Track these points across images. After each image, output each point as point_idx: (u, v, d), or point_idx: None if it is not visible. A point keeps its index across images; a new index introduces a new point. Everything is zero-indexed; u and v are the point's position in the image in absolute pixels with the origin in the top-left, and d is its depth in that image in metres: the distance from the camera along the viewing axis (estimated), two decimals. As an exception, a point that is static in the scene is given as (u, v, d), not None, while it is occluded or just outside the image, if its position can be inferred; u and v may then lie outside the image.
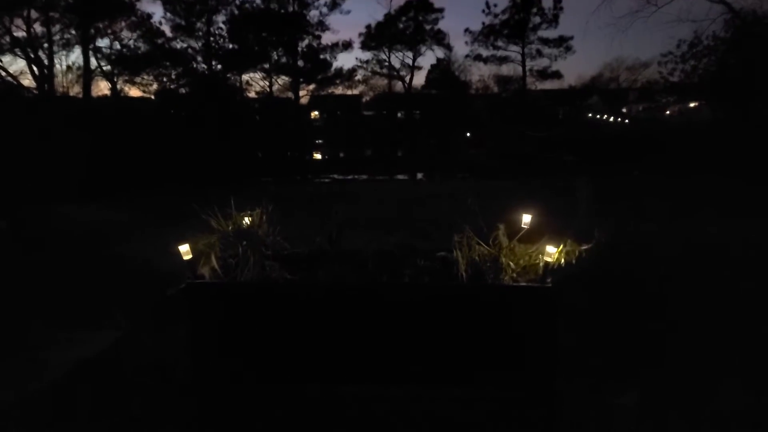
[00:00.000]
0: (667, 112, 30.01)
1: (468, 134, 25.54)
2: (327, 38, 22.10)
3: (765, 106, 17.94)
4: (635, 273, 5.25)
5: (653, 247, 6.56)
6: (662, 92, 24.34)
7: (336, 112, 26.76)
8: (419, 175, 22.70)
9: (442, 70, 25.20)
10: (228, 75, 20.68)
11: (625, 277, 4.87)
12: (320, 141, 25.63)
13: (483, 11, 23.46)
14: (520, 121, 23.30)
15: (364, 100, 27.15)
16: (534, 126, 23.50)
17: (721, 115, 19.82)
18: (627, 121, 32.05)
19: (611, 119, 33.23)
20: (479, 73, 23.67)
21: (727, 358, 3.86)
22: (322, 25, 22.34)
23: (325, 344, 3.33)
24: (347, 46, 23.03)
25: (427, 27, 23.73)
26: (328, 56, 23.16)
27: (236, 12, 20.32)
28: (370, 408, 3.31)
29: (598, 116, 34.81)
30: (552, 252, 3.27)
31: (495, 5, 23.24)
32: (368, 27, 24.01)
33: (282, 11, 20.54)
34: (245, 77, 21.48)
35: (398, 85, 25.07)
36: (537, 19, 22.95)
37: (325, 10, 21.86)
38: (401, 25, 23.79)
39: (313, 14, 21.97)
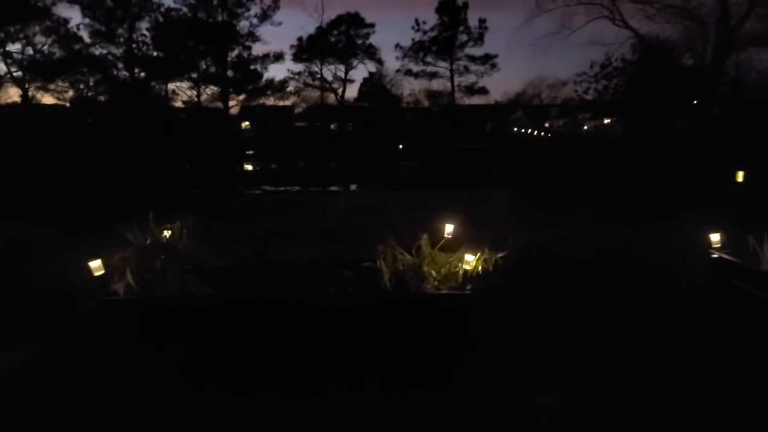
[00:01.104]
0: (585, 128, 31.99)
1: (401, 146, 25.98)
2: (258, 49, 21.84)
3: (670, 123, 19.56)
4: (552, 277, 5.56)
5: (570, 251, 6.98)
6: (579, 109, 25.93)
7: (268, 123, 26.41)
8: (352, 187, 22.80)
9: (374, 84, 25.54)
10: (152, 83, 19.93)
11: (541, 281, 5.14)
12: (251, 152, 25.18)
13: (412, 28, 24.03)
14: (450, 134, 23.96)
15: (296, 111, 26.98)
16: (463, 139, 24.24)
17: (630, 131, 21.39)
18: (549, 135, 33.80)
19: (535, 133, 34.90)
20: (410, 88, 24.14)
21: (638, 355, 4.15)
22: (253, 36, 22.09)
23: (250, 358, 3.28)
24: (279, 57, 22.87)
25: (359, 41, 24.03)
26: (258, 67, 22.88)
27: (161, 19, 19.69)
28: (300, 420, 3.29)
29: (523, 130, 36.44)
30: (470, 260, 3.41)
31: (424, 22, 23.91)
32: (300, 39, 23.97)
33: (210, 20, 20.11)
34: (171, 86, 20.87)
35: (331, 97, 25.13)
36: (464, 37, 23.82)
37: (255, 21, 21.66)
38: (333, 39, 23.92)
39: (243, 25, 21.71)
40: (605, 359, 4.15)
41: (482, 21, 23.62)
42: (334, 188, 22.18)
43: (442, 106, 24.96)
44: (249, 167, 24.84)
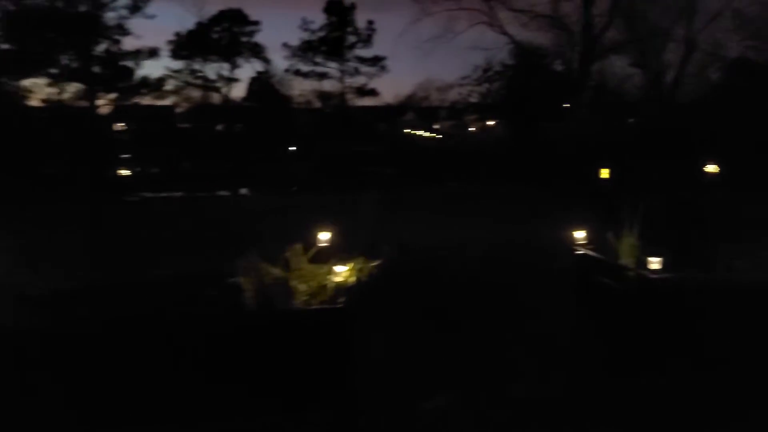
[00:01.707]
0: (472, 129, 33.57)
1: (294, 148, 25.40)
2: (129, 43, 20.07)
3: (545, 124, 21.01)
4: (430, 280, 5.57)
5: (449, 252, 7.11)
6: (465, 111, 27.06)
7: (147, 124, 24.51)
8: (242, 191, 21.87)
9: (263, 83, 24.69)
10: (1, 80, 17.55)
11: (418, 286, 5.12)
12: (128, 155, 23.21)
13: (300, 27, 23.55)
14: (343, 135, 23.83)
15: (179, 111, 25.34)
16: (356, 140, 24.24)
17: (511, 133, 22.70)
18: (440, 136, 35.00)
19: (426, 134, 35.92)
20: (301, 88, 23.69)
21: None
22: (122, 29, 20.27)
23: (112, 385, 2.87)
24: (153, 53, 21.20)
25: (244, 39, 23.05)
26: (130, 63, 21.08)
27: (11, 8, 17.42)
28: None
29: (415, 132, 37.39)
30: (342, 271, 3.23)
31: (312, 22, 23.51)
32: (178, 35, 22.48)
33: (72, 11, 18.10)
34: (26, 83, 18.51)
35: (215, 97, 23.91)
36: (353, 38, 23.77)
37: (125, 12, 19.89)
38: (215, 35, 22.72)
39: (111, 16, 19.87)
40: (487, 359, 4.19)
41: (370, 22, 23.76)
42: (222, 193, 21.11)
43: (333, 107, 24.77)
44: (126, 172, 22.90)
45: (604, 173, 14.91)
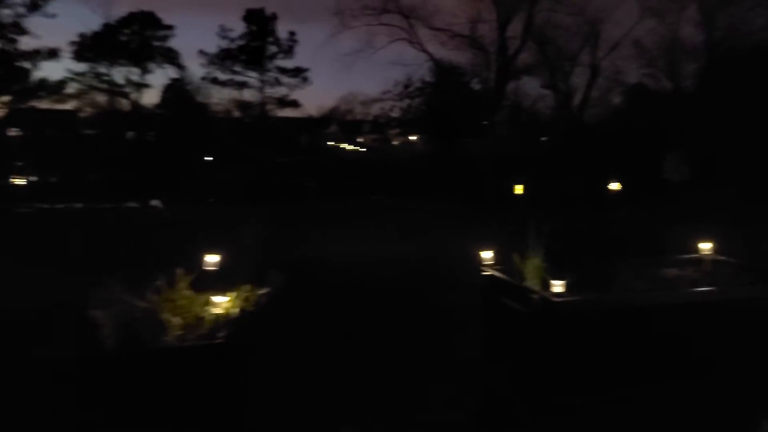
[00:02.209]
0: (395, 143, 33.88)
1: (211, 158, 24.33)
2: (26, 43, 18.41)
3: (464, 141, 21.51)
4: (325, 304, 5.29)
5: (354, 269, 6.87)
6: (388, 125, 27.23)
7: (44, 129, 22.55)
8: (154, 202, 20.56)
9: (178, 91, 23.52)
10: None
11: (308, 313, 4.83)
12: (22, 163, 21.19)
13: (218, 34, 22.72)
14: (264, 146, 23.14)
15: (82, 116, 23.55)
16: (278, 152, 23.64)
17: (432, 148, 23.06)
18: (363, 149, 35.04)
19: (350, 148, 35.81)
20: (220, 97, 22.75)
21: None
22: (19, 28, 18.55)
23: None
24: (53, 54, 19.57)
25: (156, 43, 21.85)
26: (27, 64, 19.32)
27: None
28: None
29: (338, 144, 37.19)
30: (222, 302, 2.87)
31: (231, 30, 22.76)
32: (82, 36, 20.93)
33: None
34: None
35: (124, 103, 22.45)
36: (273, 48, 23.24)
37: (22, 10, 18.23)
38: (124, 38, 21.39)
39: (7, 13, 18.14)
40: (390, 384, 3.96)
41: (292, 33, 23.38)
42: (131, 205, 19.73)
43: (253, 117, 24.03)
44: (21, 181, 20.88)
45: (519, 189, 15.41)
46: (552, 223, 4.12)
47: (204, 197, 20.07)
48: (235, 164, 22.68)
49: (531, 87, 22.73)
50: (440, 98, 20.90)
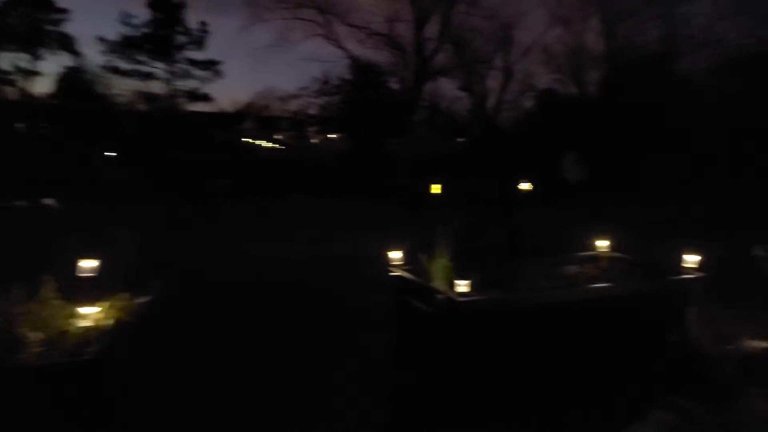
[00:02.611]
0: (314, 141, 33.40)
1: (114, 153, 22.67)
2: None
3: (384, 141, 21.57)
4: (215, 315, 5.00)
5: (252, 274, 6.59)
6: (307, 123, 26.77)
7: None
8: (47, 200, 18.82)
9: (74, 80, 21.68)
10: None
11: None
12: None
13: (119, 21, 21.17)
14: (172, 141, 21.89)
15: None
16: (188, 147, 22.45)
17: (351, 146, 22.93)
18: (281, 147, 34.23)
19: (267, 145, 34.84)
20: (123, 87, 21.19)
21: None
22: None
23: None
24: None
25: (49, 28, 20.01)
26: None
27: None
28: None
29: (255, 142, 36.09)
30: (92, 313, 2.54)
31: (134, 17, 21.29)
32: (-42, 17, 18.77)
33: None
34: None
35: (11, 92, 20.35)
36: (183, 39, 22.03)
37: None
38: (11, 21, 19.40)
39: None
40: (290, 398, 3.76)
41: (203, 24, 22.26)
42: (19, 203, 17.93)
43: (161, 110, 22.67)
44: None
45: (436, 189, 15.66)
46: (462, 223, 4.11)
47: (102, 196, 18.65)
48: (141, 160, 21.32)
49: (448, 88, 23.25)
50: (359, 96, 20.82)
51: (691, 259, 4.05)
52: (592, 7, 19.57)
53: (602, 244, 4.75)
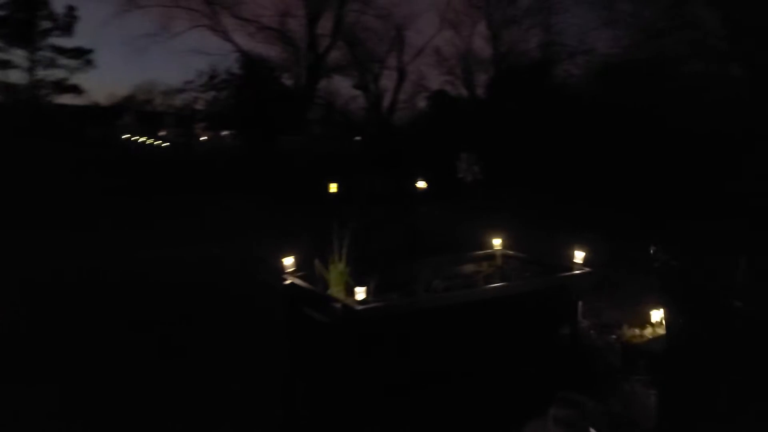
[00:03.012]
0: (203, 138, 31.61)
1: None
2: None
3: (279, 138, 20.87)
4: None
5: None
6: (194, 118, 25.26)
7: None
8: None
9: None
10: None
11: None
12: None
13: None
14: (36, 135, 19.56)
15: None
16: (55, 143, 20.19)
17: (243, 144, 21.96)
18: (166, 144, 32.04)
19: (150, 142, 32.44)
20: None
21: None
22: None
23: None
24: None
25: None
26: None
27: None
28: None
29: (136, 138, 33.45)
30: None
31: (-15, -3, 18.71)
32: None
33: None
34: None
35: None
36: (47, 24, 19.74)
37: None
38: None
39: None
40: (173, 418, 3.34)
41: (71, 9, 20.07)
42: None
43: (22, 102, 20.16)
44: None
45: (333, 188, 15.41)
46: (359, 223, 3.91)
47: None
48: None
49: (343, 87, 23.07)
50: (250, 92, 19.96)
51: (579, 255, 4.18)
52: (479, 13, 20.42)
53: (497, 242, 4.80)
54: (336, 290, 3.61)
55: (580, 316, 4.28)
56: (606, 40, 18.47)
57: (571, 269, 4.18)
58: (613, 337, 4.64)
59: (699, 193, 10.83)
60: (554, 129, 14.94)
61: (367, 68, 21.28)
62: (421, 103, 23.02)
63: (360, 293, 3.19)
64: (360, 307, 3.14)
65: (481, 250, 4.85)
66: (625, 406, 4.02)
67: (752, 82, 13.19)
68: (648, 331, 4.83)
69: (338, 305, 3.21)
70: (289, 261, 3.90)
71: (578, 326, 4.30)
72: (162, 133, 33.29)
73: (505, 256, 4.74)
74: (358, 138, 23.48)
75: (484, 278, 4.16)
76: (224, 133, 27.45)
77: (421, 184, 14.37)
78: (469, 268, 4.50)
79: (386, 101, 22.06)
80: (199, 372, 4.03)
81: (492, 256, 4.73)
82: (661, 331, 4.77)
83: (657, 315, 4.94)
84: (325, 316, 3.34)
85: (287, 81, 21.13)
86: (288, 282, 3.77)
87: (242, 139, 21.97)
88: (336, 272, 3.65)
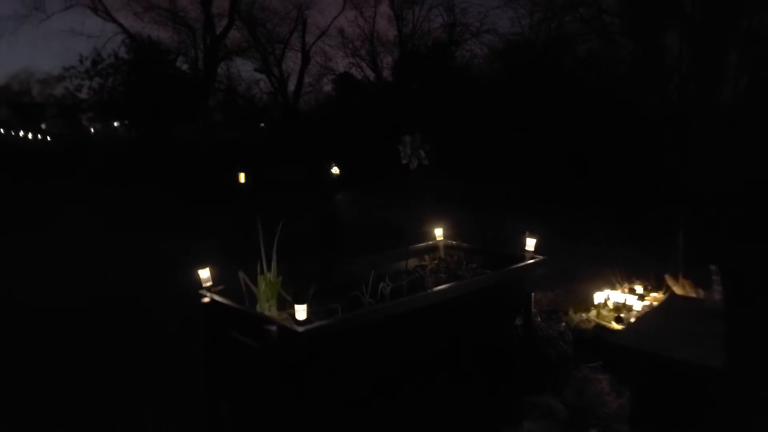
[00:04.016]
0: (92, 130, 28.64)
1: None
2: None
3: (175, 126, 19.23)
4: None
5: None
6: (79, 108, 22.67)
7: None
8: None
9: None
10: None
11: None
12: None
13: None
14: None
15: None
16: None
17: (138, 134, 20.02)
18: (48, 137, 28.87)
19: (29, 136, 29.43)
20: None
21: None
22: None
23: None
24: None
25: None
26: None
27: None
28: None
29: (12, 132, 30.23)
30: None
31: None
32: None
33: None
34: None
35: None
36: None
37: None
38: None
39: None
40: None
41: None
42: None
43: None
44: None
45: (241, 178, 14.43)
46: (280, 219, 3.32)
47: None
48: None
49: (245, 70, 21.75)
50: (141, 78, 18.10)
51: (531, 242, 3.89)
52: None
53: (438, 232, 4.41)
54: (267, 306, 3.03)
55: (532, 307, 4.03)
56: (507, 20, 18.73)
57: (521, 258, 3.89)
58: (563, 324, 4.47)
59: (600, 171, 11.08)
60: (460, 110, 14.92)
61: (269, 50, 20.17)
62: (328, 86, 22.30)
63: (300, 312, 2.63)
64: (301, 329, 2.58)
65: (421, 241, 4.45)
66: (578, 394, 3.86)
67: (644, 59, 13.87)
68: (593, 314, 4.72)
69: (273, 328, 2.63)
70: (204, 273, 3.24)
71: (532, 318, 4.05)
72: (43, 126, 29.94)
73: (447, 247, 4.37)
74: (262, 124, 22.31)
75: (434, 279, 3.74)
76: (116, 123, 24.97)
77: (335, 170, 13.82)
78: (412, 263, 4.08)
79: (291, 85, 21.12)
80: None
81: (434, 248, 4.35)
82: (605, 312, 4.68)
83: (600, 296, 4.86)
84: (257, 341, 2.75)
85: (182, 65, 19.46)
86: (207, 300, 3.12)
87: (136, 129, 19.97)
88: (265, 284, 3.06)
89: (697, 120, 11.36)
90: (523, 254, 3.90)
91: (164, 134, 17.90)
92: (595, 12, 14.72)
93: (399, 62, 20.35)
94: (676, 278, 4.84)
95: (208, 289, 3.18)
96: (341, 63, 22.39)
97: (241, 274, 3.07)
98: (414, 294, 3.26)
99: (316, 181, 13.56)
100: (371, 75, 21.21)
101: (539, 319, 4.25)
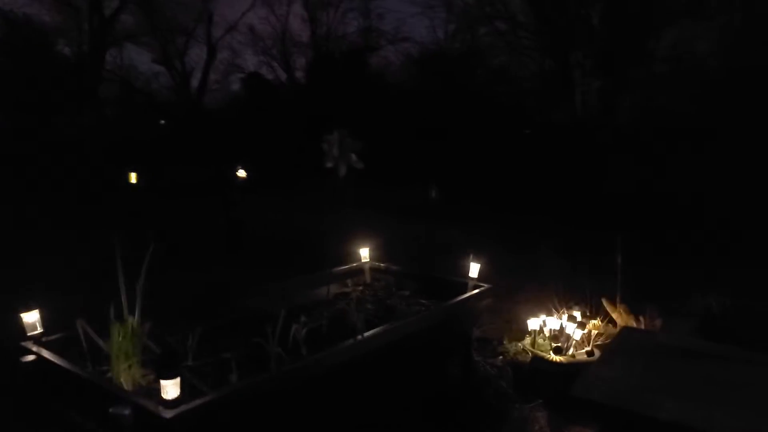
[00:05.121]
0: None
1: None
2: None
3: (54, 119, 16.92)
4: None
5: None
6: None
7: None
8: None
9: None
10: None
11: None
12: None
13: None
14: None
15: None
16: None
17: (11, 127, 17.37)
18: None
19: None
20: None
21: None
22: None
23: None
24: None
25: None
26: None
27: None
28: None
29: None
30: None
31: None
32: None
33: None
34: None
35: None
36: None
37: None
38: None
39: None
40: None
41: None
42: None
43: None
44: None
45: (132, 179, 12.90)
46: (167, 237, 2.39)
47: None
48: None
49: (143, 62, 19.72)
50: (13, 63, 15.63)
51: (474, 268, 3.22)
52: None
53: (364, 252, 3.64)
54: (123, 368, 2.07)
55: (472, 343, 3.38)
56: (423, 29, 18.53)
57: (463, 286, 3.21)
58: (500, 358, 3.87)
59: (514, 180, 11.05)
60: (375, 116, 14.40)
61: (169, 39, 18.38)
62: (236, 85, 20.84)
63: (171, 388, 1.72)
64: (170, 414, 1.69)
65: (343, 259, 3.66)
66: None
67: (554, 75, 14.14)
68: (527, 342, 4.18)
69: (126, 411, 1.71)
70: (31, 317, 2.23)
71: (472, 356, 3.39)
72: None
73: (374, 270, 3.61)
74: (162, 122, 20.36)
75: (356, 304, 2.97)
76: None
77: (242, 173, 12.68)
78: (333, 289, 3.28)
79: (195, 81, 19.43)
80: None
81: (359, 271, 3.57)
82: (541, 341, 4.16)
83: (535, 323, 4.33)
84: (102, 428, 1.81)
85: (64, 49, 17.12)
86: (30, 358, 2.11)
87: (9, 121, 17.28)
88: (123, 335, 2.11)
89: (600, 131, 11.78)
90: (465, 281, 3.23)
91: (40, 126, 15.60)
92: (510, 27, 14.83)
93: (313, 64, 19.51)
94: (613, 303, 4.45)
95: (36, 340, 2.18)
96: (251, 61, 21.03)
97: (80, 323, 2.10)
98: (336, 341, 2.45)
99: (221, 185, 12.37)
100: (283, 76, 20.17)
101: (480, 359, 3.62)
